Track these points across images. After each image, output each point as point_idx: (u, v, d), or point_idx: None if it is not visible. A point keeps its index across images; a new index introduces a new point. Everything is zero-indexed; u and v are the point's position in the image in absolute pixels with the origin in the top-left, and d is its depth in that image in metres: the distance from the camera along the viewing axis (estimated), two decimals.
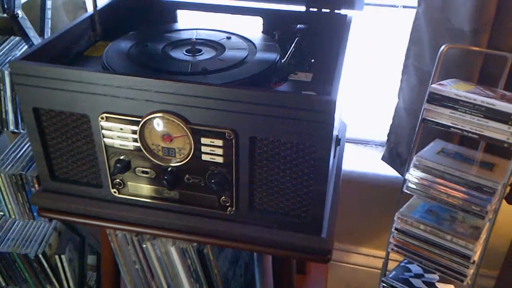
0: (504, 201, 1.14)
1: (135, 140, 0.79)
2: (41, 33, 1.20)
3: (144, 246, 0.95)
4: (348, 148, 1.46)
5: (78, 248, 1.51)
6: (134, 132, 0.78)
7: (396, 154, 1.21)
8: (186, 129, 0.75)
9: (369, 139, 1.46)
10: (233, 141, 0.75)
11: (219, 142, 0.75)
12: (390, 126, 1.22)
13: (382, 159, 1.27)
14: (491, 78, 0.98)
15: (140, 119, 0.76)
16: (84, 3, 1.29)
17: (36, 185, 1.22)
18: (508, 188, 0.98)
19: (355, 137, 1.47)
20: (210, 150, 0.77)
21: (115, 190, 0.85)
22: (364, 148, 1.47)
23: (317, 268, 1.39)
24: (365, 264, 1.55)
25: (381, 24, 1.31)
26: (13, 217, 1.30)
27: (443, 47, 0.89)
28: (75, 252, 1.50)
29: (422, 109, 0.89)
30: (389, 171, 1.31)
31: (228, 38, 0.95)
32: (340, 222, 1.42)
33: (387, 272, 1.10)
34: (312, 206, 0.78)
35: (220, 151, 0.76)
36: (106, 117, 0.78)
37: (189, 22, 1.04)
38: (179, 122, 0.75)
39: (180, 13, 1.08)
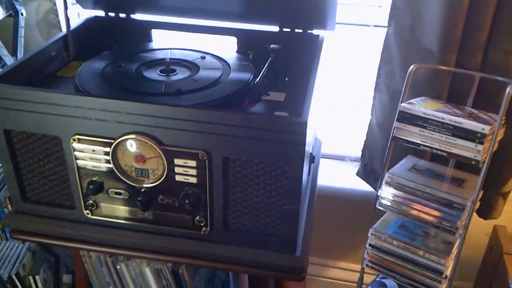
0: (475, 215, 1.17)
1: (107, 162, 0.79)
2: (13, 52, 1.19)
3: (118, 267, 0.94)
4: (325, 164, 1.47)
5: (53, 268, 1.48)
6: (106, 153, 0.78)
7: (370, 170, 1.22)
8: (159, 150, 0.75)
9: (345, 154, 1.48)
10: (206, 162, 0.75)
11: (193, 163, 0.76)
12: (364, 142, 1.24)
13: (357, 174, 1.28)
14: (460, 96, 1.00)
15: (112, 141, 0.76)
16: (58, 22, 1.28)
17: (9, 206, 1.20)
18: (479, 203, 1.00)
19: (331, 152, 1.49)
20: (184, 171, 0.77)
21: (88, 211, 0.84)
22: (341, 164, 1.48)
23: (295, 283, 1.39)
24: (343, 278, 1.55)
25: (356, 43, 1.33)
26: None
27: (411, 67, 0.91)
28: (50, 272, 1.47)
29: (393, 127, 0.91)
30: (365, 186, 1.33)
31: (203, 58, 0.96)
32: (318, 237, 1.43)
33: (364, 286, 1.11)
34: (286, 225, 0.79)
35: (193, 172, 0.77)
36: (78, 138, 0.77)
37: (164, 41, 1.05)
38: (151, 144, 0.75)
39: (155, 33, 1.09)
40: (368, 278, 1.14)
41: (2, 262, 1.37)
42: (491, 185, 1.09)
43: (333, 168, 1.47)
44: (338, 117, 1.45)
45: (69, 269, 1.55)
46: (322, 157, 1.46)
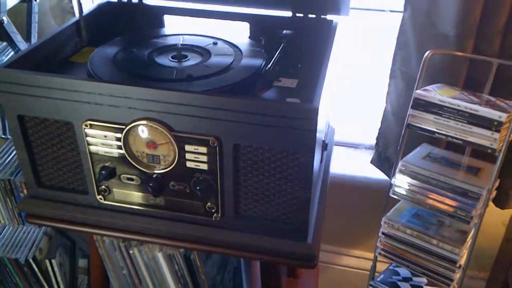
0: (492, 204, 1.15)
1: (119, 147, 0.79)
2: (27, 38, 1.20)
3: (131, 252, 0.95)
4: (339, 152, 1.46)
5: (69, 252, 1.51)
6: (118, 139, 0.78)
7: (384, 158, 1.21)
8: (170, 137, 0.75)
9: (359, 142, 1.46)
10: (217, 148, 0.75)
11: (203, 149, 0.75)
12: (378, 130, 1.22)
13: (371, 162, 1.27)
14: (477, 83, 0.98)
15: (124, 127, 0.76)
16: (72, 7, 1.29)
17: (25, 191, 1.22)
18: (495, 192, 0.99)
19: (345, 140, 1.47)
20: (195, 157, 0.77)
21: (101, 196, 0.85)
22: (355, 152, 1.47)
23: (307, 271, 1.39)
24: (356, 266, 1.55)
25: (371, 28, 1.31)
26: (3, 222, 1.30)
27: (427, 52, 0.89)
28: (66, 256, 1.49)
29: (407, 115, 0.90)
30: (379, 174, 1.32)
31: (215, 43, 0.95)
32: (331, 225, 1.43)
33: (376, 275, 1.11)
34: (297, 212, 0.78)
35: (204, 158, 0.76)
36: (90, 124, 0.78)
37: (176, 27, 1.04)
38: (162, 130, 0.75)
39: (168, 18, 1.08)
40: (381, 267, 1.14)
41: (19, 246, 1.40)
42: (508, 174, 1.07)
43: (347, 156, 1.46)
44: (353, 104, 1.43)
45: (85, 253, 1.58)
46: (336, 145, 1.45)
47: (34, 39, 1.23)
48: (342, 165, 1.41)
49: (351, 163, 1.42)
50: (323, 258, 1.56)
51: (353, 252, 1.55)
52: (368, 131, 1.42)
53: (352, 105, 1.44)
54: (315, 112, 0.68)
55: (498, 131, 0.80)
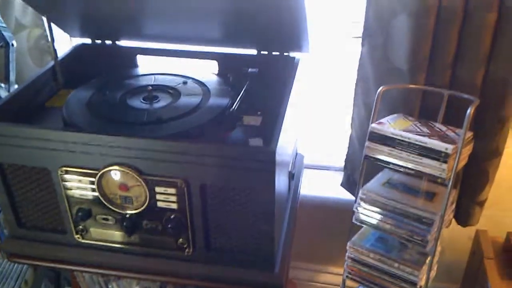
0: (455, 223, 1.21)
1: (93, 190, 0.83)
2: (6, 78, 1.23)
3: (110, 286, 1.00)
4: (312, 174, 1.51)
5: (54, 282, 1.53)
6: (92, 183, 0.83)
7: (352, 181, 1.27)
8: (140, 180, 0.80)
9: (331, 165, 1.52)
10: (185, 189, 0.80)
11: (172, 191, 0.81)
12: (346, 155, 1.28)
13: (341, 185, 1.33)
14: (432, 112, 1.04)
15: (97, 171, 0.81)
16: (49, 47, 1.33)
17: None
18: (452, 214, 1.04)
19: (320, 163, 1.53)
20: (164, 198, 0.82)
21: (78, 236, 0.90)
22: (330, 173, 1.52)
23: None
24: (335, 283, 1.60)
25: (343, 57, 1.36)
26: None
27: (380, 88, 0.95)
28: (51, 286, 1.52)
29: (365, 147, 0.95)
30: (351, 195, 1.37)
31: (185, 83, 1.00)
32: (310, 243, 1.48)
33: None
34: (263, 244, 0.83)
35: (173, 199, 0.81)
36: (65, 170, 0.82)
37: (149, 66, 1.09)
38: (133, 173, 0.79)
39: (141, 57, 1.13)
40: (355, 283, 1.18)
41: (6, 279, 1.42)
42: (466, 194, 1.13)
43: (326, 178, 1.51)
44: (326, 126, 1.48)
45: (70, 282, 1.61)
46: (314, 169, 1.51)
47: (12, 78, 1.25)
48: (317, 187, 1.46)
49: (326, 185, 1.47)
50: (302, 276, 1.61)
51: (331, 269, 1.59)
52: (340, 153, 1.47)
53: (325, 128, 1.49)
54: (272, 154, 0.74)
55: (445, 161, 0.86)
